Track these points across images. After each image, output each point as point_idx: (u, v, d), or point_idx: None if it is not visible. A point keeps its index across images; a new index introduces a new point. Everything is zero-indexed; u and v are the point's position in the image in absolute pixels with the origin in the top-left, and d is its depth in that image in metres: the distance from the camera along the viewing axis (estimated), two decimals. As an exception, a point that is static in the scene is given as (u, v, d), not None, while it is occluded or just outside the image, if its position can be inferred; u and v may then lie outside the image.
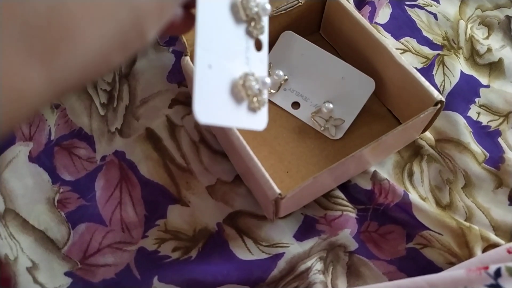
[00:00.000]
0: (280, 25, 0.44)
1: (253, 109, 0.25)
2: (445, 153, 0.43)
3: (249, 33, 0.25)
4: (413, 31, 0.51)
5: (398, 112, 0.43)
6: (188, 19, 0.21)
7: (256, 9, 0.24)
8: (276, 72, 0.42)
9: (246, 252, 0.37)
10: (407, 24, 0.51)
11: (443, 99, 0.37)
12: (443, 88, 0.47)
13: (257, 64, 0.26)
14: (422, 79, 0.38)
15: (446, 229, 0.38)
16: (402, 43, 0.50)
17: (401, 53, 0.49)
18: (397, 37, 0.50)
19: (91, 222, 0.38)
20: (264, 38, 0.26)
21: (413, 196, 0.39)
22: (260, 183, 0.33)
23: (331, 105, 0.41)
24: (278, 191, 0.32)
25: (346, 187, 0.41)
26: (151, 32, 0.16)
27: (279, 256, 0.37)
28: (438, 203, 0.41)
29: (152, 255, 0.37)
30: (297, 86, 0.43)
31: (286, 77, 0.43)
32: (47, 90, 0.13)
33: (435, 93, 0.37)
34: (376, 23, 0.50)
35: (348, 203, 0.40)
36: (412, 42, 0.50)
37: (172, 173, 0.40)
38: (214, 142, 0.42)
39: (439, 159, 0.43)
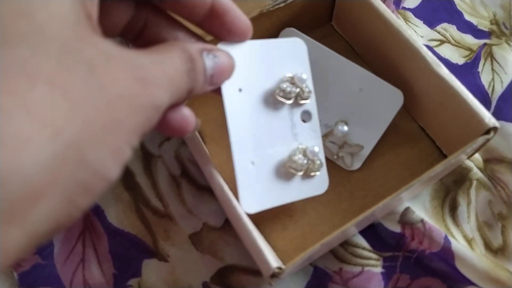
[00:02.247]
0: (280, 20, 0.34)
1: (309, 176, 0.28)
2: (496, 177, 0.33)
3: (292, 111, 0.27)
4: (452, 14, 0.40)
5: (434, 132, 0.33)
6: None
7: (296, 89, 0.26)
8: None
9: (240, 321, 0.30)
10: (444, 6, 0.41)
11: (497, 125, 0.27)
12: (493, 90, 0.37)
13: (308, 135, 0.28)
14: (468, 97, 0.28)
15: (498, 285, 0.29)
16: (439, 32, 0.39)
17: (437, 45, 0.39)
18: (431, 24, 0.40)
19: (47, 286, 0.31)
20: (311, 107, 0.28)
21: (456, 244, 0.30)
22: (251, 252, 0.25)
23: (345, 127, 0.32)
24: (274, 265, 0.24)
25: (369, 228, 0.32)
26: (113, 172, 0.15)
27: (281, 327, 0.29)
28: (487, 246, 0.32)
29: (123, 325, 0.30)
30: (302, 100, 0.34)
31: (288, 89, 0.34)
32: (26, 242, 0.13)
33: (487, 117, 0.27)
34: (404, 8, 0.40)
35: (371, 253, 0.31)
36: (451, 30, 0.40)
37: (146, 219, 0.32)
38: (200, 176, 0.33)
39: (489, 186, 0.33)
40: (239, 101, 0.25)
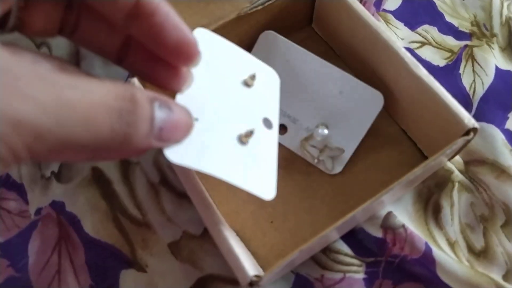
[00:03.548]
0: (259, 23, 0.34)
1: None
2: (478, 179, 0.33)
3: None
4: (433, 16, 0.40)
5: (415, 134, 0.33)
6: None
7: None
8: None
9: (220, 332, 0.29)
10: (425, 8, 0.40)
11: (477, 126, 0.27)
12: (474, 92, 0.36)
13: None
14: (448, 98, 0.28)
15: (479, 292, 0.29)
16: (420, 34, 0.39)
17: (418, 47, 0.38)
18: (412, 26, 0.39)
19: (21, 300, 0.30)
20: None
21: (437, 251, 0.30)
22: (227, 260, 0.25)
23: (325, 131, 0.31)
24: (251, 273, 0.23)
25: (351, 233, 0.32)
26: None
27: (262, 336, 0.29)
28: (470, 249, 0.31)
29: (101, 338, 0.29)
30: (283, 104, 0.33)
31: (268, 93, 0.33)
32: None
33: (466, 118, 0.27)
34: (385, 10, 0.39)
35: (353, 260, 0.31)
36: (432, 32, 0.39)
37: (124, 228, 0.31)
38: (179, 183, 0.33)
39: (470, 188, 0.33)
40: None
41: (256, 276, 0.24)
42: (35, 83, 0.13)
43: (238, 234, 0.29)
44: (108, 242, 0.31)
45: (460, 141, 0.27)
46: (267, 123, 0.26)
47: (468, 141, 0.28)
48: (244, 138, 0.23)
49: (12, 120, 0.12)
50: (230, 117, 0.24)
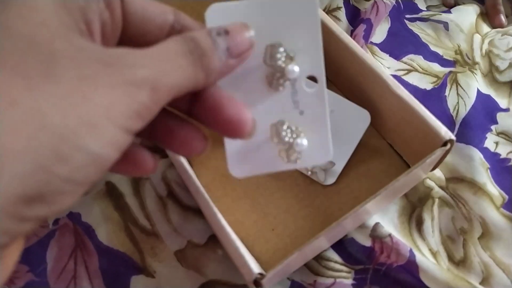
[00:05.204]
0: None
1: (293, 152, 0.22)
2: (457, 195, 0.36)
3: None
4: (418, 47, 0.44)
5: (400, 148, 0.36)
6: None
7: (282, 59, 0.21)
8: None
9: (221, 333, 0.32)
10: (409, 40, 0.44)
11: (453, 138, 0.30)
12: (457, 113, 0.40)
13: (311, 101, 0.22)
14: (426, 114, 0.32)
15: (458, 295, 0.32)
16: (405, 63, 0.43)
17: (405, 74, 0.42)
18: (397, 56, 0.43)
19: (40, 302, 0.33)
20: (317, 72, 0.22)
21: (420, 258, 0.33)
22: (234, 260, 0.28)
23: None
24: (256, 271, 0.26)
25: (341, 243, 0.34)
26: (92, 145, 0.14)
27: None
28: (450, 258, 0.34)
29: (112, 338, 0.32)
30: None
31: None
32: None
33: (443, 130, 0.30)
34: (372, 43, 0.43)
35: (342, 267, 0.34)
36: (417, 60, 0.43)
37: (134, 237, 0.34)
38: (185, 197, 0.36)
39: (451, 203, 0.36)
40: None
41: (260, 274, 0.27)
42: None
43: (242, 241, 0.32)
44: (120, 250, 0.34)
45: (439, 151, 0.30)
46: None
47: (446, 152, 0.31)
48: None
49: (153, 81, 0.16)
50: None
